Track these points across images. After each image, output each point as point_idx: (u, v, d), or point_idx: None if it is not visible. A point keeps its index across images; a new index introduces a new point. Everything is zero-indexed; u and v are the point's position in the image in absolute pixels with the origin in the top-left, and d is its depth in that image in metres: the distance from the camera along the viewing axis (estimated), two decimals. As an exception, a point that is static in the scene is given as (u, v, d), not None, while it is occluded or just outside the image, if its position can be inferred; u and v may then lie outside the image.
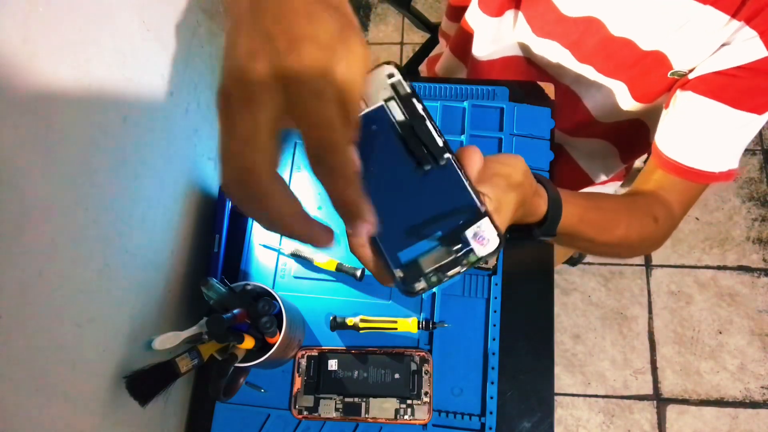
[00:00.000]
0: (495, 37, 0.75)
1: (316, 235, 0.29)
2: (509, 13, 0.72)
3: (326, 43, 0.26)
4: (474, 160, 0.35)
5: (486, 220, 0.33)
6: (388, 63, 0.33)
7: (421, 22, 1.13)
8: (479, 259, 0.32)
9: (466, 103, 0.74)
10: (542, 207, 0.49)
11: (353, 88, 0.26)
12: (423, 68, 1.08)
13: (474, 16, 0.75)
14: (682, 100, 0.62)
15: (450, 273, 0.32)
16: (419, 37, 1.84)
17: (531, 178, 0.45)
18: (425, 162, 0.32)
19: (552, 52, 0.72)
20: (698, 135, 0.61)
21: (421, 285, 0.32)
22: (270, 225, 0.28)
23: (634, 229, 0.60)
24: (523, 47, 0.76)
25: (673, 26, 0.59)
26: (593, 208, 0.56)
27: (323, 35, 0.26)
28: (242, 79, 0.26)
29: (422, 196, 0.33)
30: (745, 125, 0.59)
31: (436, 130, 0.33)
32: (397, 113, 0.33)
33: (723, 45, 0.58)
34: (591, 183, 0.89)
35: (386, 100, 0.33)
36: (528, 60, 0.78)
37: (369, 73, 0.31)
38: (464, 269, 0.33)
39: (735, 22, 0.55)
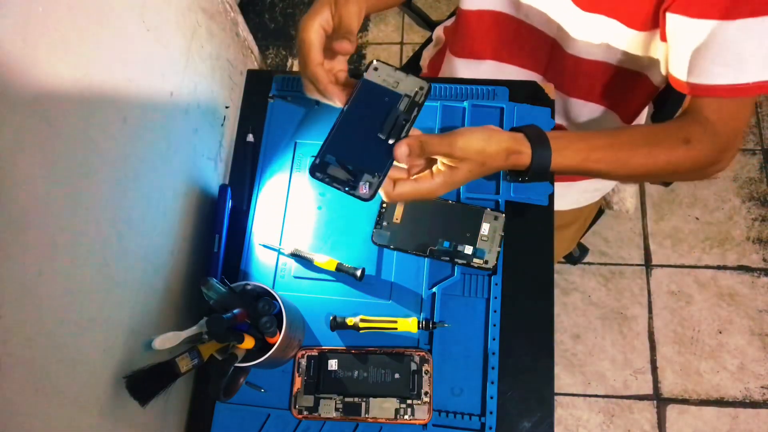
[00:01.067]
0: None
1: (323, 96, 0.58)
2: None
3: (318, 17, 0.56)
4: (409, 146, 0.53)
5: (379, 180, 0.52)
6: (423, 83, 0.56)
7: (421, 19, 1.13)
8: (352, 194, 0.52)
9: (466, 103, 0.74)
10: (524, 159, 0.57)
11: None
12: (424, 65, 1.08)
13: None
14: (681, 26, 0.61)
15: (333, 186, 0.52)
16: (419, 36, 1.84)
17: (492, 147, 0.56)
18: (384, 132, 0.53)
19: None
20: (708, 54, 0.59)
21: (319, 175, 0.52)
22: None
23: (658, 157, 0.60)
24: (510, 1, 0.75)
25: None
26: (602, 147, 0.60)
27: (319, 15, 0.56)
28: (304, 36, 0.56)
29: (367, 140, 0.53)
30: (754, 28, 0.56)
31: (408, 124, 0.54)
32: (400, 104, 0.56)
33: None
34: None
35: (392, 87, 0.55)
36: (511, 17, 0.77)
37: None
38: (343, 191, 0.52)
39: None
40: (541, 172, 0.59)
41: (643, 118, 0.88)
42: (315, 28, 0.57)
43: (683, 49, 0.62)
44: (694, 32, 0.60)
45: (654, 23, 0.66)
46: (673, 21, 0.62)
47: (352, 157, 0.53)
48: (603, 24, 0.69)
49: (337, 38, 0.57)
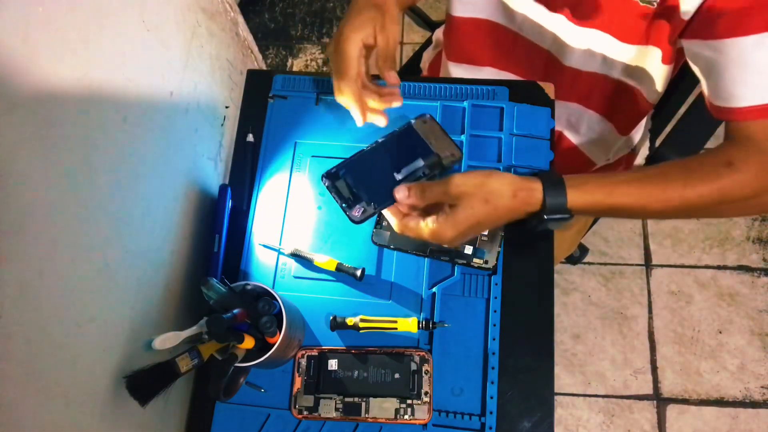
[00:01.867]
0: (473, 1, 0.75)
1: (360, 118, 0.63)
2: None
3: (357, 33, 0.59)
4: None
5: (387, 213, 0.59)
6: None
7: (421, 19, 1.13)
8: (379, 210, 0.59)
9: (466, 103, 0.74)
10: (536, 196, 0.56)
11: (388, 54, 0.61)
12: (424, 67, 1.08)
13: None
14: (698, 50, 0.58)
15: (373, 211, 0.58)
16: (419, 36, 1.84)
17: (494, 183, 0.56)
18: (403, 178, 0.59)
19: (527, 7, 0.71)
20: (733, 75, 0.56)
21: (359, 218, 0.58)
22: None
23: (698, 186, 0.54)
24: (501, 7, 0.75)
25: None
26: (628, 181, 0.56)
27: (359, 32, 0.59)
28: (346, 47, 0.59)
29: (384, 177, 0.60)
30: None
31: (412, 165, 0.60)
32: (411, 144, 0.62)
33: None
34: (591, 165, 0.89)
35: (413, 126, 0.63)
36: (505, 27, 0.77)
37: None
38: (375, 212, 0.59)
39: None
40: (558, 210, 0.55)
41: (639, 131, 0.88)
42: (357, 42, 0.60)
43: (706, 74, 0.59)
44: (710, 54, 0.57)
45: (651, 39, 0.66)
46: (690, 47, 0.60)
47: (362, 183, 0.59)
48: (597, 38, 0.69)
49: (385, 64, 0.61)
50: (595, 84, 0.76)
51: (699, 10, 0.57)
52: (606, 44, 0.69)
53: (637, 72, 0.72)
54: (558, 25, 0.70)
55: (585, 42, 0.70)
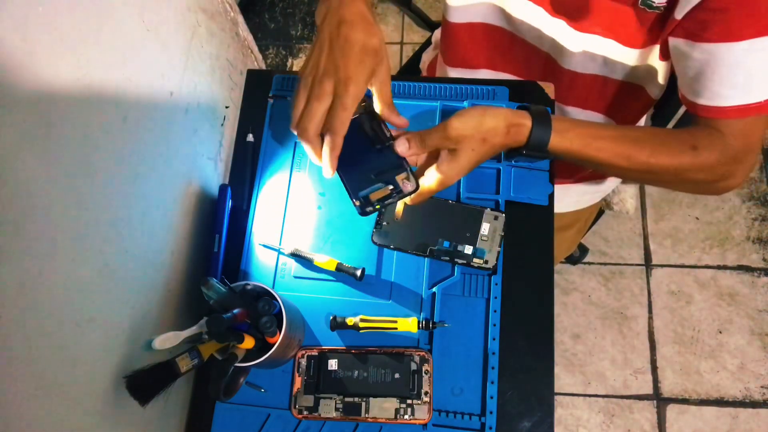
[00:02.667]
0: (470, 6, 0.75)
1: (318, 162, 0.56)
2: None
3: (363, 81, 0.54)
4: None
5: (409, 172, 0.58)
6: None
7: (421, 19, 1.13)
8: (404, 194, 0.57)
9: (465, 103, 0.74)
10: (524, 132, 0.59)
11: (383, 108, 0.59)
12: (423, 68, 1.08)
13: None
14: (686, 50, 0.60)
15: (387, 202, 0.57)
16: (419, 36, 1.84)
17: (489, 121, 0.58)
18: (379, 143, 0.58)
19: (526, 12, 0.71)
20: (715, 76, 0.59)
21: (370, 209, 0.57)
22: (311, 155, 0.56)
23: (661, 158, 0.60)
24: (499, 11, 0.75)
25: None
26: (606, 137, 0.60)
27: (362, 76, 0.54)
28: (318, 85, 0.54)
29: (375, 161, 0.59)
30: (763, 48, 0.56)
31: (387, 129, 0.59)
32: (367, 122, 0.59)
33: None
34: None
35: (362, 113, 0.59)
36: (502, 29, 0.77)
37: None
38: (393, 199, 0.57)
39: None
40: (538, 148, 0.59)
41: (641, 123, 0.88)
42: (364, 84, 0.55)
43: (691, 72, 0.62)
44: (700, 55, 0.59)
45: (651, 40, 0.66)
46: (678, 45, 0.62)
47: (376, 176, 0.59)
48: (599, 43, 0.69)
49: (391, 110, 0.59)
50: (593, 86, 0.76)
51: (692, 12, 0.59)
52: (608, 48, 0.69)
53: (640, 71, 0.72)
54: (558, 29, 0.70)
55: (585, 46, 0.70)
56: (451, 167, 0.58)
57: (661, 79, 0.72)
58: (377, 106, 0.60)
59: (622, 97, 0.77)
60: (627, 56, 0.69)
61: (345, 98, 0.54)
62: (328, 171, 0.57)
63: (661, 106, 0.85)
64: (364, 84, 0.55)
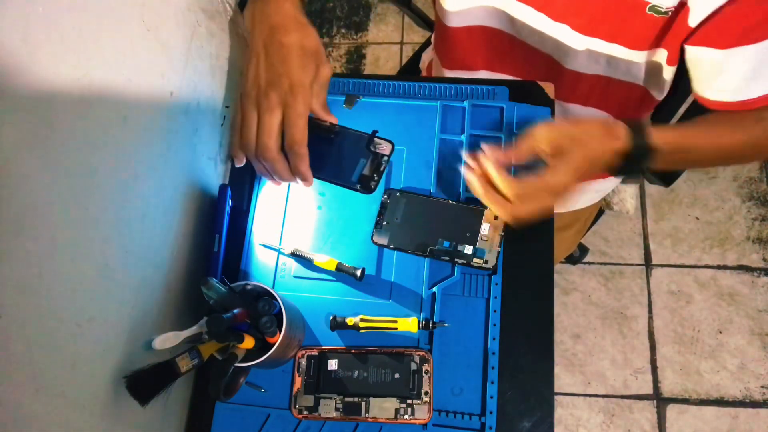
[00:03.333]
0: (467, 10, 0.74)
1: (290, 177, 0.59)
2: None
3: (309, 85, 0.54)
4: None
5: (375, 139, 0.64)
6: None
7: (421, 19, 1.13)
8: (388, 156, 0.63)
9: (466, 103, 0.74)
10: (621, 133, 0.57)
11: (318, 110, 0.60)
12: (423, 68, 1.08)
13: None
14: (709, 55, 0.61)
15: (381, 168, 0.63)
16: (419, 36, 1.84)
17: (583, 124, 0.58)
18: (330, 133, 0.63)
19: (528, 16, 0.71)
20: (747, 73, 0.60)
21: (374, 182, 0.62)
22: (272, 176, 0.59)
23: (737, 133, 0.61)
24: (499, 15, 0.74)
25: None
26: (694, 125, 0.62)
27: (307, 80, 0.54)
28: (265, 98, 0.54)
29: (337, 148, 0.64)
30: None
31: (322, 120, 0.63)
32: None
33: None
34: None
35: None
36: (502, 32, 0.76)
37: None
38: (384, 164, 0.63)
39: None
40: (642, 147, 0.57)
41: None
42: (310, 87, 0.56)
43: (711, 75, 0.62)
44: (720, 57, 0.60)
45: (657, 44, 0.66)
46: (699, 52, 0.62)
47: (349, 158, 0.64)
48: (602, 46, 0.69)
49: (325, 111, 0.62)
50: (596, 85, 0.76)
51: (709, 19, 0.59)
52: (612, 50, 0.69)
53: (645, 73, 0.72)
54: (561, 33, 0.70)
55: (589, 48, 0.70)
56: (553, 173, 0.56)
57: (666, 82, 0.72)
58: (314, 109, 0.59)
59: (625, 97, 0.77)
60: (632, 59, 0.69)
61: (297, 106, 0.53)
62: (309, 180, 0.57)
63: (660, 107, 0.85)
64: (310, 87, 0.54)
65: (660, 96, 0.76)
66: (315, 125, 0.61)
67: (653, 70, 0.71)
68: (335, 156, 0.63)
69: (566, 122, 0.60)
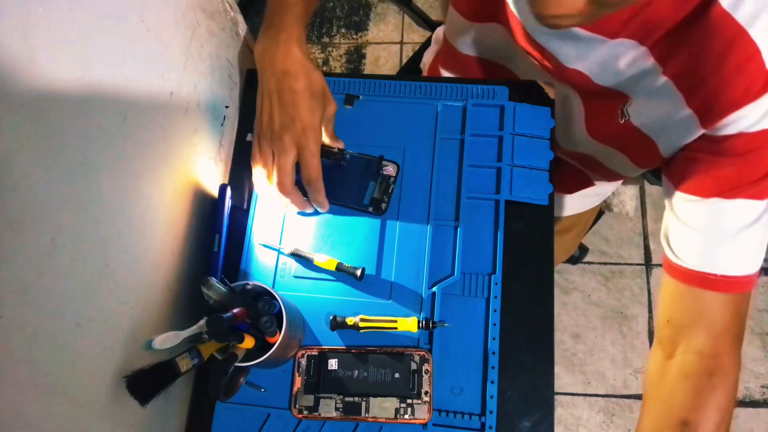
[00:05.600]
0: (477, 42, 0.75)
1: (309, 208, 0.66)
2: (492, 25, 0.70)
3: (319, 125, 0.60)
4: None
5: (383, 162, 0.70)
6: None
7: (421, 19, 1.13)
8: (395, 177, 0.70)
9: (465, 103, 0.74)
10: None
11: (327, 141, 0.67)
12: (424, 68, 1.08)
13: (454, 21, 0.75)
14: (672, 199, 0.58)
15: (390, 190, 0.69)
16: (419, 36, 1.84)
17: None
18: (340, 159, 0.69)
19: (532, 68, 0.71)
20: (689, 233, 0.56)
21: (384, 204, 0.69)
22: (291, 209, 0.66)
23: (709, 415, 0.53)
24: (507, 58, 0.76)
25: (601, 65, 0.57)
26: None
27: (317, 121, 0.60)
28: (279, 141, 0.59)
29: (347, 174, 0.70)
30: (738, 210, 0.52)
31: (330, 146, 0.68)
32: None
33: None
34: (590, 184, 0.89)
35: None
36: (511, 71, 0.78)
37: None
38: (392, 186, 0.69)
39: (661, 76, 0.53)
40: None
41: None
42: (319, 127, 0.61)
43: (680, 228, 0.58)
44: (665, 197, 0.59)
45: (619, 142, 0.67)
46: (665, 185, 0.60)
47: (359, 182, 0.70)
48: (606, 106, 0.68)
49: (334, 140, 0.67)
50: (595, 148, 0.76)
51: (680, 154, 0.57)
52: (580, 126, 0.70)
53: (613, 163, 0.72)
54: (564, 90, 0.70)
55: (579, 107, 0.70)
56: None
57: (635, 172, 0.72)
58: (323, 140, 0.65)
59: (598, 167, 0.77)
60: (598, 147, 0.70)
61: (310, 147, 0.59)
62: (326, 207, 0.65)
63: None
64: (319, 127, 0.60)
65: (633, 177, 0.77)
66: (325, 153, 0.66)
67: (618, 162, 0.71)
68: (346, 181, 0.69)
69: None
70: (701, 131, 0.53)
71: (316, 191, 0.62)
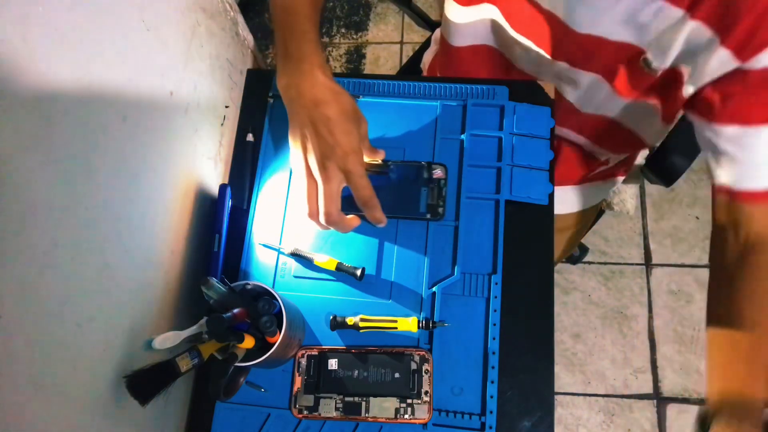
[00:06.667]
0: (471, 29, 0.75)
1: (356, 225, 0.64)
2: (485, 6, 0.71)
3: (358, 146, 0.59)
4: None
5: (432, 166, 0.69)
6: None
7: (421, 19, 1.13)
8: (445, 179, 0.69)
9: (466, 102, 0.74)
10: None
11: (368, 156, 0.66)
12: (424, 68, 1.08)
13: (449, 10, 0.75)
14: (702, 130, 0.61)
15: (443, 193, 0.69)
16: (419, 36, 1.84)
17: None
18: (387, 171, 0.69)
19: (526, 50, 0.72)
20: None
21: (441, 208, 0.68)
22: (339, 230, 0.63)
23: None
24: (502, 43, 0.75)
25: (628, 17, 0.59)
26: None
27: (356, 142, 0.58)
28: (323, 170, 0.58)
29: (397, 185, 0.69)
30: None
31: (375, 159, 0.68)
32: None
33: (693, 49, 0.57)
34: (593, 162, 0.89)
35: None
36: (503, 55, 0.77)
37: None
38: (445, 187, 0.69)
39: (692, 22, 0.56)
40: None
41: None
42: (359, 147, 0.59)
43: (712, 156, 0.62)
44: (711, 135, 0.60)
45: (649, 96, 0.67)
46: (694, 121, 0.62)
47: (410, 191, 0.70)
48: (597, 86, 0.70)
49: (373, 153, 0.67)
50: (589, 119, 0.77)
51: (700, 92, 0.60)
52: (607, 91, 0.70)
53: (637, 119, 0.73)
54: (558, 68, 0.71)
55: (585, 85, 0.71)
56: None
57: (660, 133, 0.73)
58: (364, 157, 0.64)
59: (616, 136, 0.78)
60: (626, 105, 0.70)
61: (356, 168, 0.58)
62: (384, 222, 0.63)
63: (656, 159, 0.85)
64: (359, 147, 0.59)
65: (654, 143, 0.77)
66: (369, 167, 0.66)
67: (645, 119, 0.72)
68: (397, 193, 0.69)
69: None
70: (736, 65, 0.56)
71: (373, 209, 0.61)
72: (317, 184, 0.59)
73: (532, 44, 0.70)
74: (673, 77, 0.62)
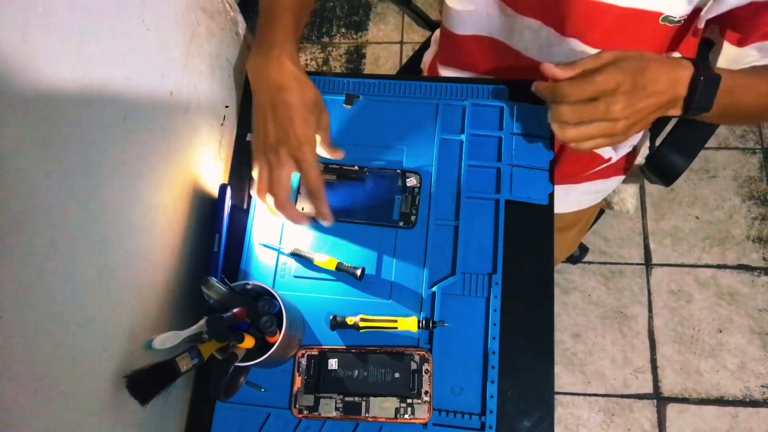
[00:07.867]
0: (475, 17, 0.75)
1: (302, 221, 0.65)
2: None
3: (314, 136, 0.61)
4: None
5: (405, 174, 0.70)
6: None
7: (421, 18, 1.13)
8: (418, 188, 0.69)
9: (466, 102, 0.74)
10: (687, 67, 0.56)
11: (324, 151, 0.66)
12: (424, 68, 1.08)
13: None
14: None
15: (416, 202, 0.69)
16: (419, 36, 1.84)
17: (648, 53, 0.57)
18: (357, 177, 0.70)
19: (535, 32, 0.71)
20: None
21: (414, 216, 0.68)
22: (287, 220, 0.64)
23: None
24: (505, 29, 0.75)
25: None
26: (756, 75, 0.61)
27: (311, 132, 0.60)
28: (275, 154, 0.60)
29: (370, 192, 0.70)
30: None
31: (339, 166, 0.70)
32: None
33: None
34: (596, 161, 0.88)
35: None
36: (508, 46, 0.77)
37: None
38: (418, 195, 0.69)
39: None
40: (708, 71, 0.57)
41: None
42: (314, 138, 0.61)
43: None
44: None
45: (669, 48, 0.67)
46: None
47: (384, 198, 0.70)
48: None
49: (332, 151, 0.66)
50: None
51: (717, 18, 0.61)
52: None
53: None
54: (570, 46, 0.70)
55: None
56: (616, 102, 0.55)
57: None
58: (320, 150, 0.64)
59: None
60: None
61: (307, 158, 0.60)
62: (329, 219, 0.64)
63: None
64: (314, 138, 0.61)
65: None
66: (344, 173, 0.68)
67: None
68: (370, 199, 0.69)
69: (630, 54, 0.57)
70: None
71: (319, 201, 0.62)
72: (269, 167, 0.61)
73: (541, 24, 0.69)
74: (691, 19, 0.62)
